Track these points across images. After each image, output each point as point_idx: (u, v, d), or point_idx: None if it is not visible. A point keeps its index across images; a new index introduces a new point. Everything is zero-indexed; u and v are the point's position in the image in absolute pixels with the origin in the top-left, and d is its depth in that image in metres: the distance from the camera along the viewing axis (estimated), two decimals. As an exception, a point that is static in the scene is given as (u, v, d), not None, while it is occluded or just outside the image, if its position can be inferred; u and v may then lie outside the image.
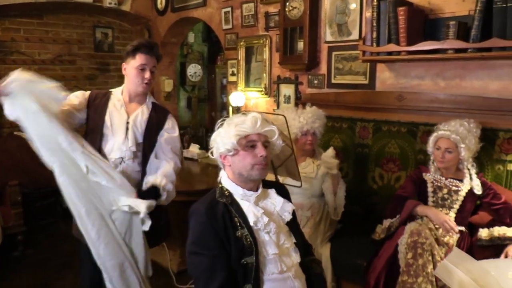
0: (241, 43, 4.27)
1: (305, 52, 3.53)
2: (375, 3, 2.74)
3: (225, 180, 1.66)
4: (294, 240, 1.68)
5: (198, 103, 7.00)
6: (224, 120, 1.66)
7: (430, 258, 2.10)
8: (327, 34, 3.47)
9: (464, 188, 2.35)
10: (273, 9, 3.92)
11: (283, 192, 1.77)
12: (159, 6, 5.23)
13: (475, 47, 2.37)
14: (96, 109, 2.22)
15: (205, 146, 4.93)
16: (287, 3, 3.60)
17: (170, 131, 2.33)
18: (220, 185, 1.66)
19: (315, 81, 3.63)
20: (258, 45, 4.11)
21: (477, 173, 2.39)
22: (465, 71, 2.71)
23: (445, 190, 2.38)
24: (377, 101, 3.16)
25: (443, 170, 2.44)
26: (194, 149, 4.34)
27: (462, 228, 2.33)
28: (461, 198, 2.35)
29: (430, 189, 2.44)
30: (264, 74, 4.08)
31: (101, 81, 5.54)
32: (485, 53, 2.36)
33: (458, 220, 2.34)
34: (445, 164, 2.37)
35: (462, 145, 2.30)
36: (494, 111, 2.56)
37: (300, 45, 3.61)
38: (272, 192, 1.71)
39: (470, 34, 2.37)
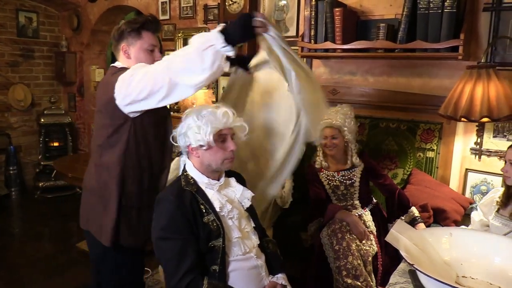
0: (179, 35, 4.27)
1: (244, 46, 3.64)
2: (313, 3, 2.93)
3: (191, 168, 1.72)
4: (253, 225, 1.82)
5: (129, 93, 6.83)
6: (190, 111, 1.70)
7: (350, 237, 2.32)
8: (266, 30, 3.61)
9: (356, 179, 2.56)
10: (212, 2, 3.98)
11: (241, 180, 1.89)
12: (89, -8, 5.03)
13: (402, 48, 2.64)
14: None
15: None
16: (227, -3, 3.69)
17: None
18: (185, 173, 1.73)
19: (254, 74, 3.77)
20: (197, 37, 4.14)
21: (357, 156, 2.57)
22: (392, 69, 3.01)
23: (341, 187, 2.56)
24: (312, 94, 3.37)
25: (331, 161, 2.61)
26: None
27: (370, 207, 2.58)
28: (357, 188, 2.57)
29: (329, 191, 2.60)
30: (203, 66, 4.13)
31: (25, 68, 5.25)
32: (410, 53, 2.64)
33: (363, 202, 2.58)
34: (334, 150, 2.54)
35: (345, 128, 2.49)
36: (416, 104, 2.87)
37: (240, 39, 3.71)
38: (232, 180, 1.82)
39: (397, 36, 2.64)
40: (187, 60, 1.55)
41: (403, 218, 2.45)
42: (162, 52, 4.60)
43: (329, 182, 2.59)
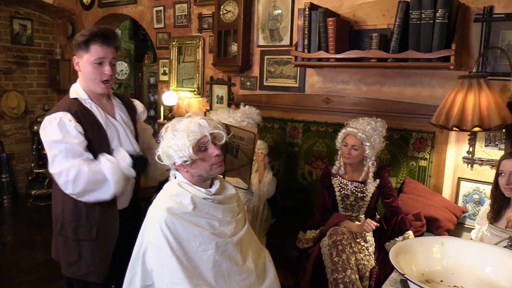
0: (174, 43, 4.29)
1: (238, 54, 3.66)
2: (307, 12, 2.95)
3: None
4: None
5: (123, 101, 6.85)
6: (167, 128, 1.66)
7: (351, 250, 2.32)
8: (260, 39, 3.64)
9: (368, 194, 2.54)
10: (206, 11, 4.01)
11: None
12: (84, 0, 5.04)
13: (394, 57, 2.66)
14: (92, 130, 1.88)
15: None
16: (222, 7, 3.71)
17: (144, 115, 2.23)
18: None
19: (248, 83, 3.79)
20: (191, 45, 4.16)
21: (376, 173, 2.54)
22: (385, 78, 3.03)
23: (351, 198, 2.55)
24: (306, 103, 3.39)
25: (348, 167, 2.58)
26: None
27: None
28: (366, 203, 2.55)
29: (338, 198, 2.59)
30: (197, 75, 4.15)
31: (19, 75, 5.24)
32: (402, 63, 2.66)
33: (367, 217, 2.56)
34: (351, 160, 2.51)
35: (367, 144, 2.45)
36: (408, 114, 2.89)
37: (234, 47, 3.74)
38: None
39: (390, 45, 2.67)
40: None
41: (398, 239, 2.43)
42: (157, 60, 4.63)
43: (341, 190, 2.57)
